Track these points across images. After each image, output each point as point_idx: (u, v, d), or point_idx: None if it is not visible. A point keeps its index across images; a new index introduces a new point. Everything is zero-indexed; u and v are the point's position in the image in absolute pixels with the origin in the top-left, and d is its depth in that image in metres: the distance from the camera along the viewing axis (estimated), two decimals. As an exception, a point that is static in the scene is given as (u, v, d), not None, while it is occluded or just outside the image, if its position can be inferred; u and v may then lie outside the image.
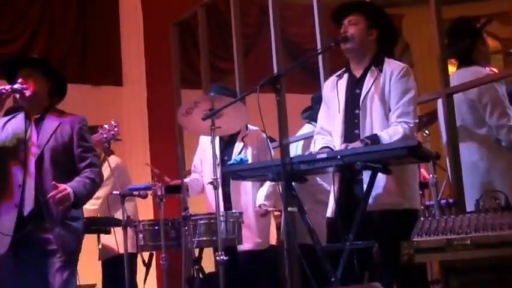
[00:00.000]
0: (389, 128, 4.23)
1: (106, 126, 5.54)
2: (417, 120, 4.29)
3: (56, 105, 4.62)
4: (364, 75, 4.39)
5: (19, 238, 4.27)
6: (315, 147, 4.56)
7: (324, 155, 4.15)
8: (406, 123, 4.20)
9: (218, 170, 4.99)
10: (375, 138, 4.17)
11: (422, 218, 3.61)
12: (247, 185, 5.56)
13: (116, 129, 5.49)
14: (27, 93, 4.39)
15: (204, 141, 5.74)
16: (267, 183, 5.45)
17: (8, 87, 4.33)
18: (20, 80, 4.38)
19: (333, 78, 4.56)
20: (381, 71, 4.33)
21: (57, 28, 8.28)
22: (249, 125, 5.64)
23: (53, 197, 4.16)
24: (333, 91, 4.48)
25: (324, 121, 4.57)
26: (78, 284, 4.74)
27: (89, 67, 8.36)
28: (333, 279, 4.15)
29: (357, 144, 4.16)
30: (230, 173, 4.63)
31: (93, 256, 6.09)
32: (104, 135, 5.50)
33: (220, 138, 5.68)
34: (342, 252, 4.12)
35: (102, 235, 6.16)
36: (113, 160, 6.24)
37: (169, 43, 7.42)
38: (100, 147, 5.81)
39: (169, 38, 7.43)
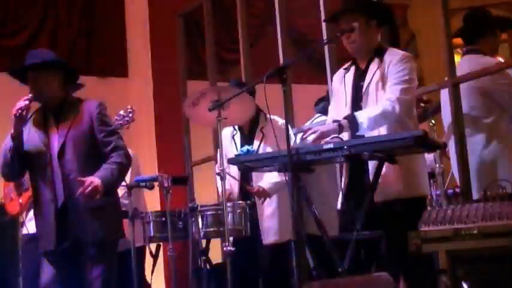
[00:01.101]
0: (371, 107, 4.26)
1: (122, 112, 5.51)
2: (402, 96, 4.22)
3: (73, 92, 4.65)
4: (367, 67, 4.42)
5: (60, 233, 4.30)
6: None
7: (331, 145, 4.16)
8: (387, 100, 4.21)
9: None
10: (352, 117, 4.20)
11: (429, 208, 3.61)
12: (267, 181, 5.52)
13: (130, 114, 5.47)
14: (40, 96, 4.41)
15: (224, 134, 5.68)
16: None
17: (24, 101, 4.31)
18: (30, 96, 4.36)
19: (341, 71, 4.58)
20: (381, 61, 4.36)
21: (62, 20, 8.28)
22: (267, 115, 5.61)
23: (82, 193, 4.17)
24: (341, 84, 4.51)
25: (335, 114, 4.56)
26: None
27: (94, 59, 8.36)
28: (340, 270, 4.16)
29: (325, 125, 4.26)
30: (237, 164, 4.62)
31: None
32: (119, 122, 5.48)
33: (241, 131, 5.68)
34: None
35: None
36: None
37: (175, 34, 7.41)
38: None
39: (175, 29, 7.42)
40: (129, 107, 5.51)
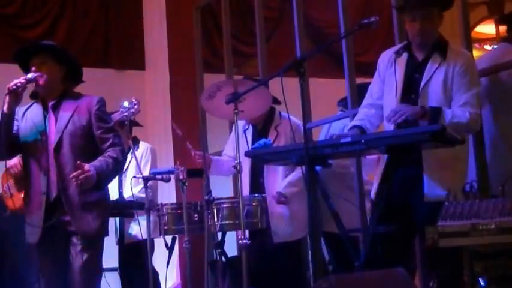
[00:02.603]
0: (456, 108, 4.14)
1: (126, 103, 5.49)
2: (479, 113, 4.19)
3: (73, 89, 4.61)
4: (425, 60, 4.29)
5: (49, 226, 4.31)
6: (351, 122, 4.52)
7: (348, 139, 4.15)
8: (471, 112, 4.12)
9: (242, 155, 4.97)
10: (437, 111, 4.09)
11: (446, 203, 3.59)
12: (280, 174, 5.52)
13: (136, 106, 5.41)
14: (41, 81, 4.38)
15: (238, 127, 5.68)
16: (297, 170, 5.37)
17: (22, 79, 4.29)
18: (33, 69, 4.37)
19: (391, 53, 4.44)
20: (444, 58, 4.24)
21: (79, 12, 8.28)
22: (282, 113, 5.61)
23: (77, 176, 4.17)
24: (391, 68, 4.38)
25: (375, 95, 4.48)
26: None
27: (111, 51, 8.36)
28: (356, 264, 4.15)
29: (410, 107, 4.11)
30: (253, 157, 4.62)
31: (114, 240, 6.12)
32: (125, 114, 5.46)
33: (254, 127, 5.67)
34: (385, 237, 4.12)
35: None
36: (145, 145, 6.27)
37: (192, 27, 7.40)
38: (121, 127, 5.82)
39: (192, 22, 7.41)
40: (133, 98, 5.47)
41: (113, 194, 5.96)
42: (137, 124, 6.44)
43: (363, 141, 4.09)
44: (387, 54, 4.48)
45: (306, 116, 4.42)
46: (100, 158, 4.35)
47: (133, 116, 5.53)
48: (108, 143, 4.41)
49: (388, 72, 4.38)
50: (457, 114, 4.10)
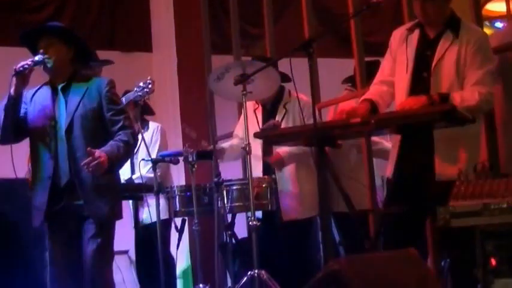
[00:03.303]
0: (465, 91, 4.10)
1: (141, 83, 5.47)
2: (492, 91, 4.13)
3: (82, 70, 4.58)
4: (437, 38, 4.24)
5: (54, 211, 4.28)
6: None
7: (358, 119, 4.12)
8: (481, 92, 4.06)
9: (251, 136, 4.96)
10: (445, 98, 4.04)
11: (457, 182, 3.56)
12: None
13: (150, 86, 5.40)
14: (49, 64, 4.34)
15: (247, 108, 5.65)
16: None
17: (29, 61, 4.25)
18: (41, 51, 4.33)
19: (403, 30, 4.40)
20: (456, 36, 4.19)
21: (86, -6, 8.26)
22: (291, 91, 5.58)
23: (88, 164, 4.14)
24: (402, 45, 4.33)
25: (387, 73, 4.44)
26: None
27: (118, 33, 8.32)
28: (366, 245, 4.15)
29: (416, 99, 4.07)
30: (262, 138, 4.60)
31: (124, 222, 6.10)
32: (139, 93, 5.45)
33: (263, 106, 5.64)
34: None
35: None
36: (154, 125, 6.26)
37: (199, 8, 7.36)
38: (135, 109, 5.83)
39: (199, 3, 7.37)
40: (148, 78, 5.45)
41: (125, 177, 5.98)
42: (150, 112, 6.41)
43: (372, 121, 4.06)
44: (399, 31, 4.44)
45: (315, 96, 4.38)
46: (111, 142, 4.31)
47: (148, 96, 5.50)
48: (119, 125, 4.37)
49: (400, 49, 4.34)
50: (466, 98, 4.04)
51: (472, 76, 4.12)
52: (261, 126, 5.45)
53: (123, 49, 8.16)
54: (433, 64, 4.18)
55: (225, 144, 5.79)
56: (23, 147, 4.80)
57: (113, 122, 4.38)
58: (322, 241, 5.34)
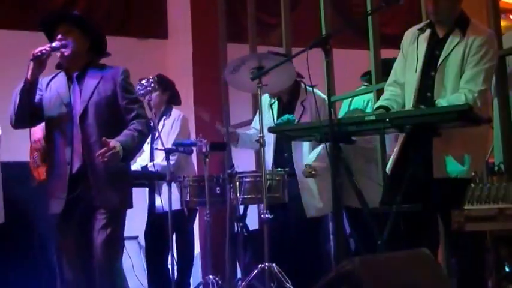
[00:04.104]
0: (452, 95, 4.12)
1: (144, 81, 5.42)
2: (484, 88, 4.10)
3: (97, 60, 4.55)
4: (446, 37, 4.24)
5: (72, 197, 4.29)
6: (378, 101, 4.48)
7: (373, 117, 4.11)
8: (470, 91, 4.06)
9: (265, 129, 4.95)
10: (431, 104, 4.07)
11: (472, 185, 3.54)
12: (307, 147, 5.47)
13: (152, 85, 5.35)
14: (66, 52, 4.33)
15: (264, 101, 5.65)
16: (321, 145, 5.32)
17: (47, 46, 4.25)
18: (58, 37, 4.32)
19: (414, 31, 4.39)
20: (464, 35, 4.18)
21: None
22: (308, 87, 5.57)
23: (102, 154, 4.14)
24: (413, 45, 4.34)
25: (399, 74, 4.44)
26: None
27: (133, 20, 8.27)
28: (379, 242, 4.13)
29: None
30: (278, 133, 4.59)
31: (135, 208, 6.11)
32: (141, 91, 5.43)
33: (279, 101, 5.63)
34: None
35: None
36: (177, 113, 6.25)
37: (215, -4, 7.35)
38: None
39: (215, -9, 7.36)
40: (151, 77, 5.43)
41: (144, 164, 5.99)
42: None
43: (387, 119, 4.04)
44: (411, 31, 4.44)
45: (331, 92, 4.36)
46: (125, 131, 4.31)
47: (149, 95, 5.48)
48: (133, 114, 4.37)
49: (411, 48, 4.35)
50: (451, 101, 4.05)
51: (466, 73, 4.13)
52: (274, 121, 5.43)
53: (138, 36, 8.13)
54: (439, 62, 4.19)
55: (240, 131, 5.76)
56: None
57: (128, 111, 4.38)
58: (334, 234, 5.33)
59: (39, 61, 4.23)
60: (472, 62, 4.12)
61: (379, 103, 4.41)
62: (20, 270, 6.32)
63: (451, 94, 4.12)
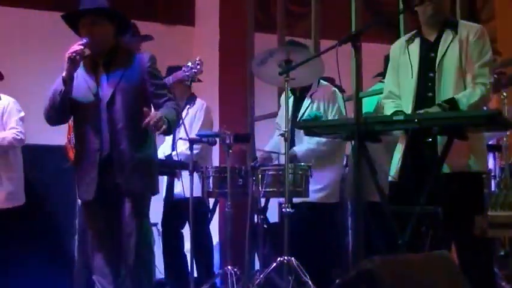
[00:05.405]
0: (466, 90, 4.17)
1: (189, 63, 5.48)
2: (491, 80, 4.23)
3: (122, 43, 4.61)
4: (438, 39, 4.30)
5: (101, 184, 4.32)
6: (384, 111, 4.48)
7: (401, 117, 4.08)
8: (482, 84, 4.16)
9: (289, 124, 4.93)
10: (452, 102, 4.09)
11: (497, 190, 3.52)
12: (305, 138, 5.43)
13: (198, 66, 5.42)
14: (95, 43, 4.35)
15: (283, 96, 5.62)
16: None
17: (78, 46, 4.27)
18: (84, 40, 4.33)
19: (402, 42, 4.46)
20: (456, 33, 4.25)
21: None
22: (321, 81, 5.54)
23: (148, 123, 4.13)
24: (404, 55, 4.39)
25: (392, 85, 4.48)
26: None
27: (160, 4, 8.26)
28: (400, 242, 4.11)
29: (434, 109, 4.09)
30: (304, 129, 4.57)
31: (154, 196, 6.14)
32: (186, 73, 5.45)
33: (293, 94, 5.61)
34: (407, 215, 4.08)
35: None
36: (200, 103, 6.24)
37: (244, -16, 7.31)
38: (181, 85, 5.83)
39: (244, -21, 7.32)
40: (197, 58, 5.45)
41: (166, 153, 6.00)
42: (198, 80, 6.39)
43: (416, 120, 4.02)
44: (398, 43, 4.52)
45: (358, 89, 4.32)
46: (164, 106, 4.34)
47: (195, 76, 5.50)
48: (165, 98, 4.40)
49: (402, 58, 4.40)
50: (468, 96, 4.13)
51: (473, 68, 4.20)
52: (290, 113, 5.40)
53: (165, 21, 8.11)
54: (437, 62, 4.23)
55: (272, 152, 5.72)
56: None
57: (157, 96, 4.40)
58: (355, 233, 5.32)
59: (74, 61, 4.27)
60: (474, 57, 4.20)
61: (393, 109, 4.39)
62: (36, 255, 6.37)
63: (455, 90, 4.16)
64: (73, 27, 4.46)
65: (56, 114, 4.41)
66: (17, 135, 6.05)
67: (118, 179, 4.30)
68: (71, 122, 5.64)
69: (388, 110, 4.41)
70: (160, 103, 4.38)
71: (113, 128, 4.31)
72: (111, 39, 4.45)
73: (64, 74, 4.29)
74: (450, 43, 4.24)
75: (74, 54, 4.24)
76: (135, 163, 4.32)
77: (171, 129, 4.32)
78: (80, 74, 4.43)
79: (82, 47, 4.27)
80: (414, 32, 4.42)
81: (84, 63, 4.45)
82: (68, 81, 4.30)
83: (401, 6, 4.72)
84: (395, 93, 4.46)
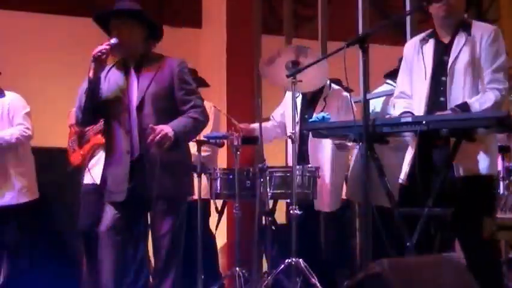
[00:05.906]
0: (479, 95, 4.13)
1: None
2: (507, 85, 4.18)
3: (153, 49, 4.57)
4: (452, 41, 4.26)
5: (132, 186, 4.32)
6: (395, 111, 4.48)
7: (409, 119, 4.09)
8: (497, 89, 4.12)
9: (297, 126, 4.94)
10: (465, 107, 4.07)
11: (506, 192, 3.52)
12: (325, 145, 5.47)
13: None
14: (124, 45, 4.35)
15: (289, 95, 5.65)
16: None
17: (105, 45, 4.27)
18: (113, 39, 4.33)
19: (416, 42, 4.42)
20: (469, 35, 4.22)
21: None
22: (332, 84, 5.55)
23: (152, 140, 4.16)
24: (418, 56, 4.36)
25: (405, 85, 4.46)
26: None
27: (166, 7, 8.26)
28: (408, 244, 4.12)
29: (447, 113, 4.08)
30: (311, 131, 4.58)
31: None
32: None
33: (303, 96, 5.61)
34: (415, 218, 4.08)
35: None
36: (208, 104, 6.24)
37: (251, -14, 7.32)
38: None
39: (251, -19, 7.32)
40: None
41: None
42: (204, 83, 6.42)
43: (424, 122, 4.02)
44: (412, 42, 4.48)
45: (366, 91, 4.33)
46: (180, 117, 4.35)
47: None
48: (190, 104, 4.40)
49: (416, 59, 4.37)
50: (482, 101, 4.09)
51: (487, 75, 4.16)
52: (299, 115, 5.42)
53: (171, 24, 8.10)
54: (449, 66, 4.21)
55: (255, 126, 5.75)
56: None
57: (184, 102, 4.41)
58: (363, 237, 5.31)
59: (100, 60, 4.28)
60: (488, 61, 4.16)
61: (403, 109, 4.38)
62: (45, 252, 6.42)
63: (468, 94, 4.13)
64: (105, 29, 4.47)
65: (82, 114, 4.42)
66: (24, 131, 6.08)
67: (149, 181, 4.28)
68: (71, 125, 5.69)
69: (398, 110, 4.41)
70: (185, 110, 4.39)
71: (143, 132, 4.31)
72: (140, 42, 4.44)
73: (90, 73, 4.29)
74: (463, 46, 4.20)
75: (99, 53, 4.24)
76: (166, 167, 4.29)
77: (179, 142, 4.32)
78: (112, 77, 4.45)
79: (108, 47, 4.27)
80: (429, 31, 4.38)
81: (116, 66, 4.48)
82: (94, 80, 4.31)
83: (407, 7, 4.72)
84: (407, 93, 4.44)
